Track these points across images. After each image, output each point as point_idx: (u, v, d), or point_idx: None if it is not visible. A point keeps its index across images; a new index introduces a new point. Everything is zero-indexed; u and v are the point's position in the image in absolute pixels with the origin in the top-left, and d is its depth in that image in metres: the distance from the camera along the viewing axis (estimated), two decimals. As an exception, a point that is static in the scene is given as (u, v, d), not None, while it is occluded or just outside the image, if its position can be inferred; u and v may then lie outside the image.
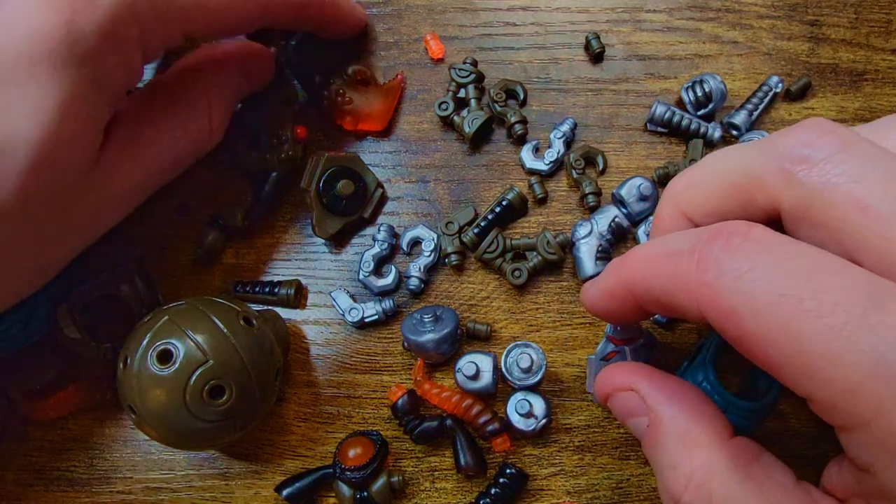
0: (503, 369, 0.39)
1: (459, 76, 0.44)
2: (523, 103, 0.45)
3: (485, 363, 0.39)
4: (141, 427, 0.34)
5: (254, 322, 0.36)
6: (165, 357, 0.33)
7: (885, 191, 0.19)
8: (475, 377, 0.38)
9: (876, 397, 0.17)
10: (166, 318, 0.34)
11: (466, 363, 0.39)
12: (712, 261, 0.21)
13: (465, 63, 0.45)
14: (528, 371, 0.38)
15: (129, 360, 0.33)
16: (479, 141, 0.45)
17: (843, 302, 0.18)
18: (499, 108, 0.44)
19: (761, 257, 0.20)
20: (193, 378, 0.32)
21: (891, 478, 0.18)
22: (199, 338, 0.33)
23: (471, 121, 0.43)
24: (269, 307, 0.43)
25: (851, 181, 0.20)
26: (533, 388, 0.39)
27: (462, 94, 0.45)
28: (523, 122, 0.44)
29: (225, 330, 0.34)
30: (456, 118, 0.44)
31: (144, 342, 0.33)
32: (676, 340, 0.42)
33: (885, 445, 0.18)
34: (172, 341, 0.33)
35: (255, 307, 0.42)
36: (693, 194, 0.26)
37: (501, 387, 0.41)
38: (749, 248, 0.20)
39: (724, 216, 0.25)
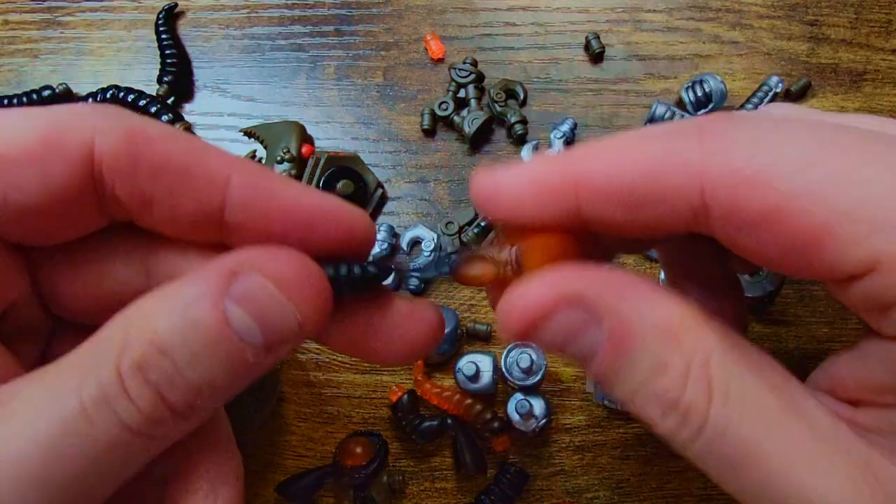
0: (503, 369, 0.39)
1: (459, 76, 0.44)
2: (523, 103, 0.45)
3: (485, 363, 0.39)
4: None
5: None
6: None
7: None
8: (475, 377, 0.38)
9: None
10: None
11: (466, 363, 0.39)
12: (719, 131, 0.17)
13: (465, 63, 0.45)
14: (528, 371, 0.38)
15: None
16: (478, 141, 0.45)
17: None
18: (499, 109, 0.44)
19: (774, 126, 0.17)
20: None
21: None
22: None
23: (471, 121, 0.43)
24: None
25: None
26: (533, 389, 0.39)
27: (462, 94, 0.45)
28: (523, 122, 0.44)
29: None
30: (456, 118, 0.44)
31: None
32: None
33: None
34: None
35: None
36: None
37: (501, 387, 0.41)
38: (757, 121, 0.18)
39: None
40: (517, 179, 0.20)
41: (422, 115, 0.45)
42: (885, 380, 0.18)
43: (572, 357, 0.20)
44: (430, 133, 0.45)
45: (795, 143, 0.17)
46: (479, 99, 0.44)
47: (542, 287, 0.19)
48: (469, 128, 0.43)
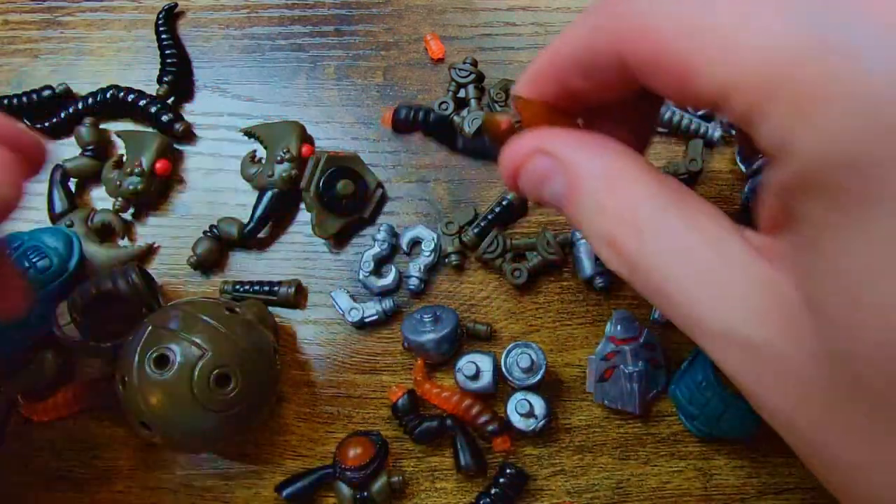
0: (503, 369, 0.39)
1: (459, 76, 0.44)
2: None
3: (485, 363, 0.39)
4: (159, 440, 0.34)
5: (237, 309, 0.36)
6: (163, 362, 0.33)
7: None
8: (475, 377, 0.38)
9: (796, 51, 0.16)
10: (151, 326, 0.34)
11: (466, 363, 0.39)
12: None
13: (465, 63, 0.45)
14: (528, 371, 0.38)
15: (127, 378, 0.33)
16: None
17: None
18: (499, 108, 0.44)
19: None
20: (196, 372, 0.32)
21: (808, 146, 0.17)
22: (191, 334, 0.33)
23: (471, 121, 0.43)
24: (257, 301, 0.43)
25: None
26: (533, 388, 0.39)
27: (462, 94, 0.45)
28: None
29: (212, 322, 0.34)
30: (456, 118, 0.44)
31: (137, 355, 0.33)
32: (676, 340, 0.42)
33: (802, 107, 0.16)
34: (165, 345, 0.33)
35: (255, 307, 0.42)
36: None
37: (501, 387, 0.41)
38: None
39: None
40: (526, 74, 0.26)
41: None
42: (774, 203, 0.19)
43: (550, 202, 0.24)
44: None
45: None
46: (479, 99, 0.44)
47: (523, 141, 0.25)
48: (469, 128, 0.43)
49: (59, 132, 0.46)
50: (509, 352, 0.39)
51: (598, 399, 0.40)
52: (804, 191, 0.17)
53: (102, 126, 0.46)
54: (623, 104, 0.26)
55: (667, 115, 0.43)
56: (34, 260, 0.40)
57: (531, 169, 0.25)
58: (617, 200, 0.22)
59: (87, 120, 0.45)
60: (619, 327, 0.40)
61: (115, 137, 0.46)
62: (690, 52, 0.18)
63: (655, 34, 0.19)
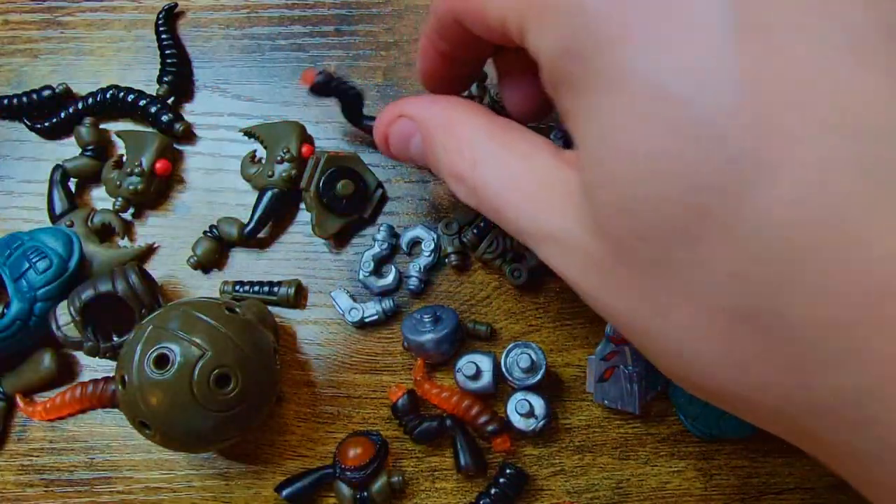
0: (503, 369, 0.39)
1: None
2: None
3: (485, 363, 0.39)
4: (159, 440, 0.34)
5: (237, 309, 0.36)
6: (162, 361, 0.33)
7: None
8: (475, 377, 0.38)
9: None
10: (151, 326, 0.34)
11: (466, 363, 0.39)
12: None
13: None
14: (528, 371, 0.38)
15: (126, 378, 0.33)
16: None
17: None
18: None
19: None
20: (196, 372, 0.32)
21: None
22: (191, 334, 0.33)
23: None
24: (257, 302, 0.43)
25: None
26: (533, 388, 0.39)
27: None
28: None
29: (212, 321, 0.34)
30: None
31: (137, 355, 0.33)
32: (676, 340, 0.42)
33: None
34: (165, 345, 0.33)
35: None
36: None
37: (501, 387, 0.41)
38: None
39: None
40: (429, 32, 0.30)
41: None
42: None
43: (413, 161, 0.30)
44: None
45: None
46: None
47: (388, 109, 0.31)
48: None
49: (59, 132, 0.46)
50: (509, 352, 0.39)
51: (598, 399, 0.40)
52: (555, 87, 0.22)
53: (102, 126, 0.46)
54: (512, 68, 0.31)
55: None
56: (34, 260, 0.40)
57: (396, 131, 0.30)
58: (455, 140, 0.26)
59: (87, 120, 0.45)
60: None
61: (115, 137, 0.46)
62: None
63: None
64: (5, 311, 0.39)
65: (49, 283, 0.40)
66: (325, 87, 0.38)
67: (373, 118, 0.40)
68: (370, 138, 0.45)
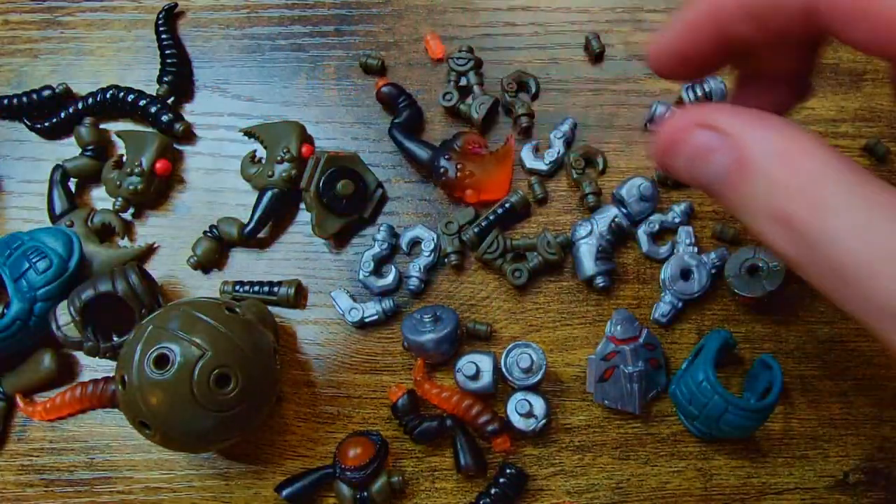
0: (503, 369, 0.39)
1: (458, 65, 0.44)
2: (535, 97, 0.45)
3: (485, 363, 0.39)
4: (159, 440, 0.34)
5: (237, 309, 0.36)
6: (163, 361, 0.33)
7: None
8: (475, 377, 0.38)
9: None
10: (151, 327, 0.34)
11: (466, 363, 0.39)
12: None
13: (461, 51, 0.45)
14: (528, 371, 0.38)
15: (126, 378, 0.33)
16: (487, 127, 0.45)
17: None
18: (508, 98, 0.44)
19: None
20: (196, 372, 0.32)
21: None
22: (191, 334, 0.33)
23: (478, 106, 0.43)
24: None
25: None
26: (533, 388, 0.39)
27: (463, 81, 0.45)
28: (530, 115, 0.44)
29: (212, 322, 0.34)
30: (462, 106, 0.44)
31: (137, 355, 0.33)
32: (676, 340, 0.42)
33: None
34: (165, 345, 0.33)
35: (255, 307, 0.42)
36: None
37: (501, 387, 0.41)
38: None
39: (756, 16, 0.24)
40: (676, 24, 0.25)
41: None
42: None
43: (701, 183, 0.23)
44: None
45: None
46: (480, 84, 0.44)
47: (684, 114, 0.23)
48: (477, 114, 0.43)
49: (59, 132, 0.46)
50: (509, 352, 0.39)
51: (598, 399, 0.40)
52: None
53: (102, 126, 0.46)
54: (778, 53, 0.26)
55: (666, 115, 0.43)
56: (34, 260, 0.40)
57: (695, 143, 0.23)
58: (796, 177, 0.21)
59: (87, 120, 0.45)
60: (619, 327, 0.40)
61: (115, 137, 0.46)
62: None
63: None
64: (5, 311, 0.39)
65: (49, 283, 0.40)
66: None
67: (419, 141, 0.42)
68: (370, 138, 0.46)
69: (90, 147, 0.45)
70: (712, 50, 0.25)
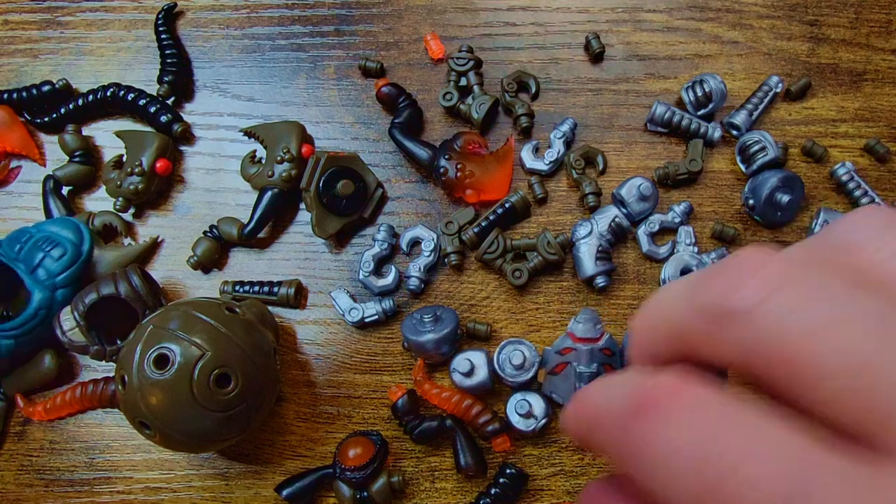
0: (495, 366, 0.38)
1: (458, 65, 0.44)
2: (535, 97, 0.45)
3: (478, 359, 0.39)
4: (159, 440, 0.34)
5: (237, 309, 0.36)
6: (163, 361, 0.33)
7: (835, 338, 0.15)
8: (470, 374, 0.38)
9: None
10: (151, 327, 0.34)
11: (460, 360, 0.38)
12: (639, 436, 0.16)
13: (461, 51, 0.45)
14: (520, 368, 0.38)
15: (126, 378, 0.33)
16: (487, 127, 0.45)
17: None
18: (508, 98, 0.44)
19: (684, 431, 0.16)
20: (196, 372, 0.32)
21: None
22: (191, 334, 0.33)
23: (478, 106, 0.43)
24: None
25: (794, 333, 0.15)
26: (527, 386, 0.39)
27: (463, 81, 0.45)
28: (530, 115, 0.44)
29: (213, 322, 0.34)
30: (462, 106, 0.44)
31: (137, 355, 0.33)
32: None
33: None
34: (165, 345, 0.33)
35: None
36: (643, 340, 0.21)
37: (501, 387, 0.40)
38: (679, 418, 0.16)
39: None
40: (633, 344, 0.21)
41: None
42: None
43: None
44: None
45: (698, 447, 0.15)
46: (480, 84, 0.44)
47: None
48: (477, 114, 0.43)
49: (60, 127, 0.46)
50: (502, 349, 0.39)
51: (545, 391, 0.39)
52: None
53: (102, 125, 0.46)
54: None
55: (666, 115, 0.43)
56: (47, 249, 0.40)
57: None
58: None
59: (70, 127, 0.45)
60: (580, 325, 0.38)
61: (115, 137, 0.46)
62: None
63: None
64: (27, 303, 0.39)
65: (67, 269, 0.40)
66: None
67: (419, 141, 0.42)
68: (370, 138, 0.46)
69: (77, 153, 0.45)
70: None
